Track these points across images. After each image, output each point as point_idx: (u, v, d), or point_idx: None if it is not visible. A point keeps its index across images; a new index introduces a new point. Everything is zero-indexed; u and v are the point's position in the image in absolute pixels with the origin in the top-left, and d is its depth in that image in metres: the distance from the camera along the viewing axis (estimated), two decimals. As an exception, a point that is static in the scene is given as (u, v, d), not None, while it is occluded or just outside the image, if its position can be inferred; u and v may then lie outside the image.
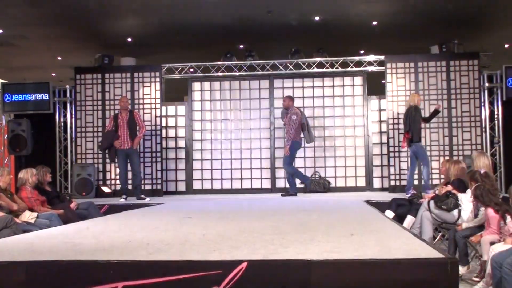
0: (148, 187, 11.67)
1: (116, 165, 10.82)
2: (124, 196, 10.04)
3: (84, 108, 12.00)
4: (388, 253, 3.41)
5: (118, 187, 11.80)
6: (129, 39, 12.29)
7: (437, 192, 7.08)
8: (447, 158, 10.49)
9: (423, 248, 3.56)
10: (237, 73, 12.03)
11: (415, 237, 4.12)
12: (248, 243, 3.93)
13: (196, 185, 11.98)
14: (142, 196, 10.02)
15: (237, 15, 10.93)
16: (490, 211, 5.19)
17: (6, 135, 11.91)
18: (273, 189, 11.74)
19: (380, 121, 11.84)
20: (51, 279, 3.30)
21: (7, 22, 11.15)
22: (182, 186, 12.09)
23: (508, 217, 4.95)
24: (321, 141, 11.88)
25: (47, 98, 11.94)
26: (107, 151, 10.43)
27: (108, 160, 11.32)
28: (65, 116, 12.29)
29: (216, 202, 9.11)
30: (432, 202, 6.71)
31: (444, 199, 6.61)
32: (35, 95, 12.00)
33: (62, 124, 12.30)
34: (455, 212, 6.51)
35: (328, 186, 11.56)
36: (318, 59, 11.79)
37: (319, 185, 11.49)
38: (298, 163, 11.84)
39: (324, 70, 11.85)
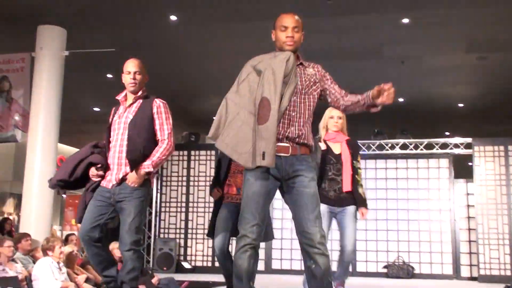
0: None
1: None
2: None
3: (170, 184, 12.37)
4: None
5: (199, 263, 11.81)
6: (214, 118, 12.74)
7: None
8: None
9: None
10: (319, 153, 12.04)
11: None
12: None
13: (275, 264, 11.84)
14: None
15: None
16: None
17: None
18: (352, 272, 11.41)
19: (468, 206, 11.38)
20: None
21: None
22: (260, 265, 12.00)
23: None
24: (405, 224, 11.52)
25: (135, 173, 12.40)
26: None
27: (190, 235, 11.44)
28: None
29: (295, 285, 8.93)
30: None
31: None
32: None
33: (148, 198, 12.68)
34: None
35: (412, 272, 11.09)
36: (401, 141, 11.65)
37: (402, 271, 11.06)
38: (380, 246, 11.50)
39: (408, 151, 11.66)
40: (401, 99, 11.07)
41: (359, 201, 5.00)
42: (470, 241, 11.23)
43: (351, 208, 5.01)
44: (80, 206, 4.28)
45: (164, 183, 12.39)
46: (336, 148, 5.09)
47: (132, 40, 9.40)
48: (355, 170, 4.97)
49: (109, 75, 10.93)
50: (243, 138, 3.23)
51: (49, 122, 8.94)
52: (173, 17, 8.73)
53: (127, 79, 4.29)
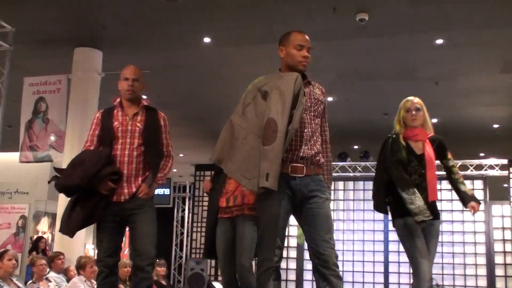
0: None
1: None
2: None
3: (201, 204, 12.40)
4: None
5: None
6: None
7: None
8: None
9: None
10: (351, 174, 11.97)
11: None
12: None
13: (306, 285, 11.74)
14: None
15: (354, 116, 11.07)
16: None
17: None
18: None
19: (503, 228, 11.14)
20: None
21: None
22: (291, 286, 11.91)
23: None
24: (439, 246, 11.30)
25: (168, 193, 12.51)
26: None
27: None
28: (183, 211, 12.76)
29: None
30: None
31: None
32: (157, 189, 12.64)
33: (179, 218, 12.75)
34: None
35: (447, 296, 10.88)
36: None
37: (436, 294, 10.86)
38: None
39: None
40: (434, 120, 10.91)
41: (467, 198, 4.26)
42: (505, 264, 10.97)
43: (436, 224, 4.26)
44: (74, 218, 3.73)
45: (196, 203, 12.43)
46: (418, 148, 4.30)
47: (166, 61, 9.53)
48: (449, 170, 4.31)
49: (143, 96, 11.09)
50: (252, 163, 3.05)
51: (84, 142, 9.07)
52: (206, 39, 8.83)
53: (124, 86, 4.00)
